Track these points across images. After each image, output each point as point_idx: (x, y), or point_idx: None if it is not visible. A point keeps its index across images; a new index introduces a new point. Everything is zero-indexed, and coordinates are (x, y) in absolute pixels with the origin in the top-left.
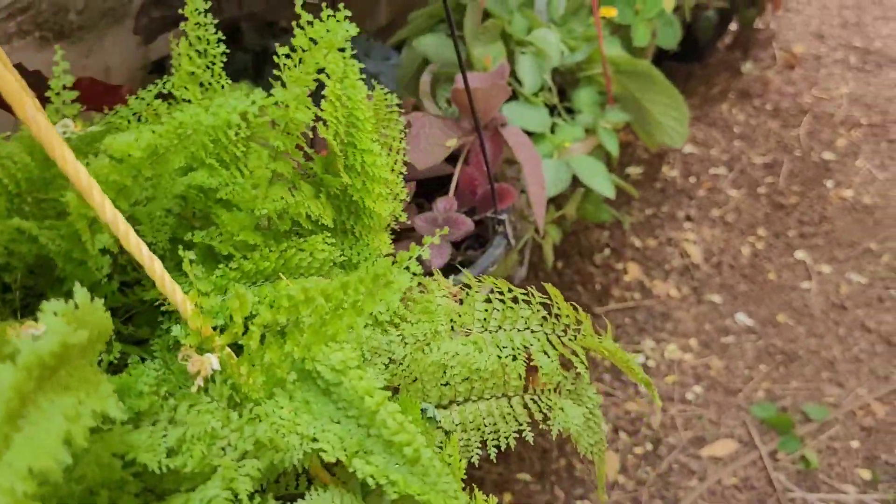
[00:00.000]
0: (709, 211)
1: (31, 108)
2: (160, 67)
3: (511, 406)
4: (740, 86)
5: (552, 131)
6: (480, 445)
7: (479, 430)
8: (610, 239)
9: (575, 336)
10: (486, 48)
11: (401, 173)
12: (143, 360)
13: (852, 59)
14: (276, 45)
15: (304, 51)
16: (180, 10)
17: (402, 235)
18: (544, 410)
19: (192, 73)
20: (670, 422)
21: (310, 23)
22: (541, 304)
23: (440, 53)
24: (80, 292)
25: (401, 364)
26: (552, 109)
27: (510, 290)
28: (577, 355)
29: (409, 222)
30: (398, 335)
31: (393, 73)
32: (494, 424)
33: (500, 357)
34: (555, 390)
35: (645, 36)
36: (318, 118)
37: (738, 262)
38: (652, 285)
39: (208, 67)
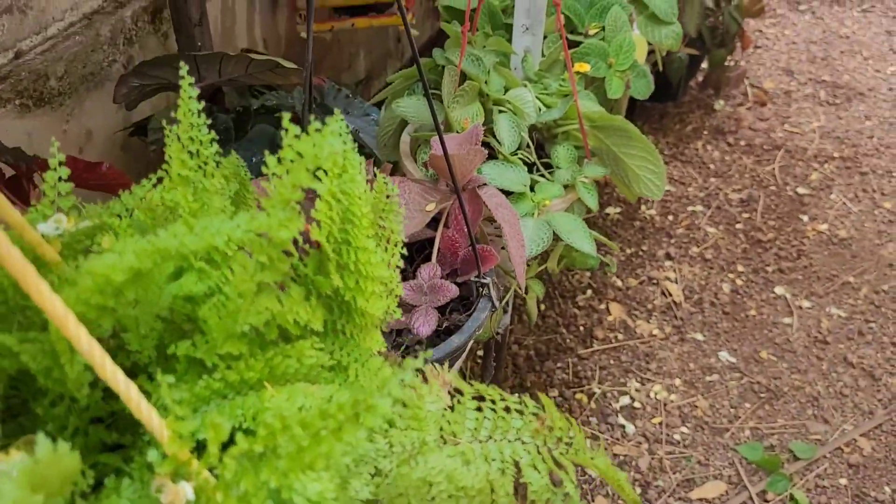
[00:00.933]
0: (688, 249)
1: (5, 242)
2: (142, 129)
3: None
4: (714, 123)
5: (532, 189)
6: None
7: None
8: (591, 280)
9: (567, 449)
10: (464, 110)
11: (397, 267)
12: (118, 472)
13: (822, 94)
14: (255, 102)
15: (291, 161)
16: (159, 76)
17: None
18: None
19: (184, 176)
20: (658, 464)
21: (297, 136)
22: (533, 413)
23: (418, 115)
24: (44, 444)
25: (386, 477)
26: (531, 166)
27: (502, 399)
28: (566, 471)
29: None
30: (386, 443)
31: (373, 130)
32: None
33: (488, 472)
34: None
35: (619, 88)
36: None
37: (718, 300)
38: (635, 325)
39: (200, 168)
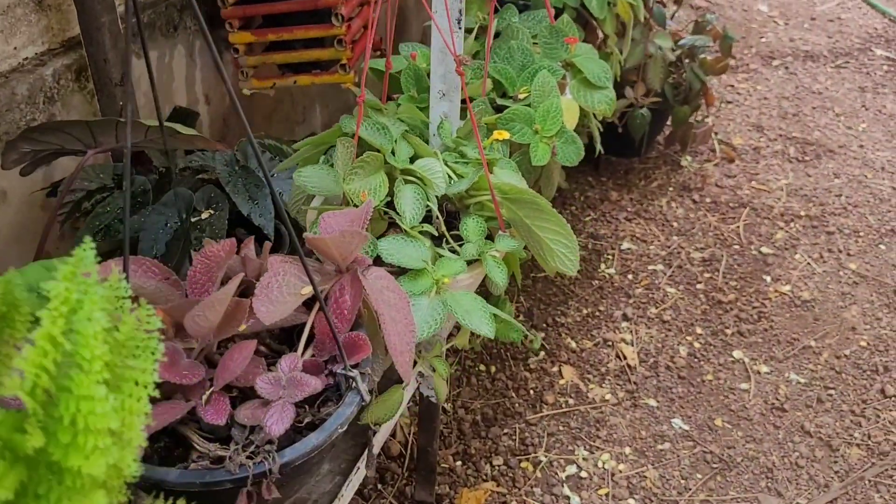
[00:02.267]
0: (646, 309)
1: None
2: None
3: None
4: (680, 180)
5: (434, 264)
6: None
7: None
8: (545, 340)
9: None
10: (364, 181)
11: (144, 413)
12: None
13: (791, 151)
14: (181, 162)
15: None
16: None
17: (246, 396)
18: None
19: None
20: None
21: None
22: None
23: (321, 187)
24: None
25: None
26: (440, 239)
27: None
28: None
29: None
30: None
31: None
32: None
33: None
34: None
35: (545, 155)
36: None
37: (675, 363)
38: (587, 389)
39: None
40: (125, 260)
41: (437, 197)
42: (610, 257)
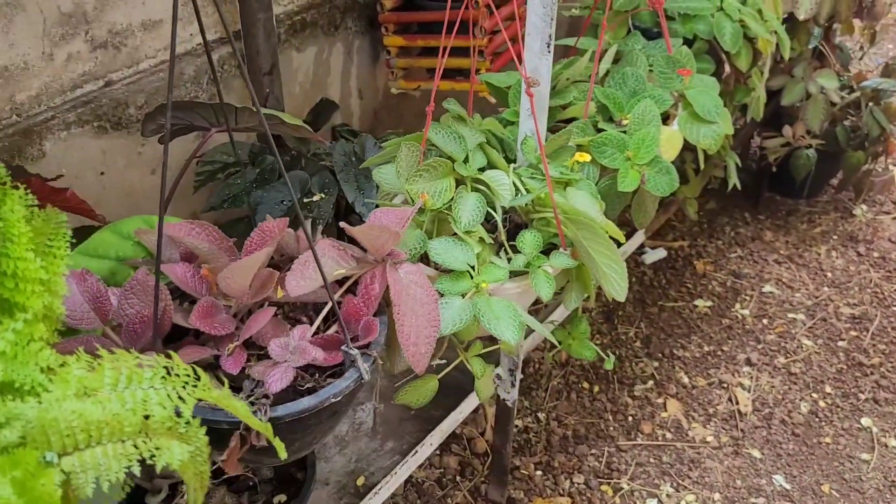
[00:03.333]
0: (774, 357)
1: None
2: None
3: (124, 448)
4: (848, 229)
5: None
6: (95, 481)
7: (94, 468)
8: (657, 370)
9: (193, 390)
10: (430, 184)
11: (63, 273)
12: None
13: None
14: (312, 148)
15: None
16: (181, 118)
17: (266, 356)
18: (152, 450)
19: None
20: None
21: None
22: (164, 367)
23: (393, 185)
24: None
25: (30, 423)
26: (500, 247)
27: (137, 359)
28: (187, 404)
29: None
30: (36, 402)
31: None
32: (108, 464)
33: (115, 411)
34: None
35: (633, 182)
36: None
37: (791, 419)
38: (689, 427)
39: None
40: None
41: (502, 207)
42: (748, 298)
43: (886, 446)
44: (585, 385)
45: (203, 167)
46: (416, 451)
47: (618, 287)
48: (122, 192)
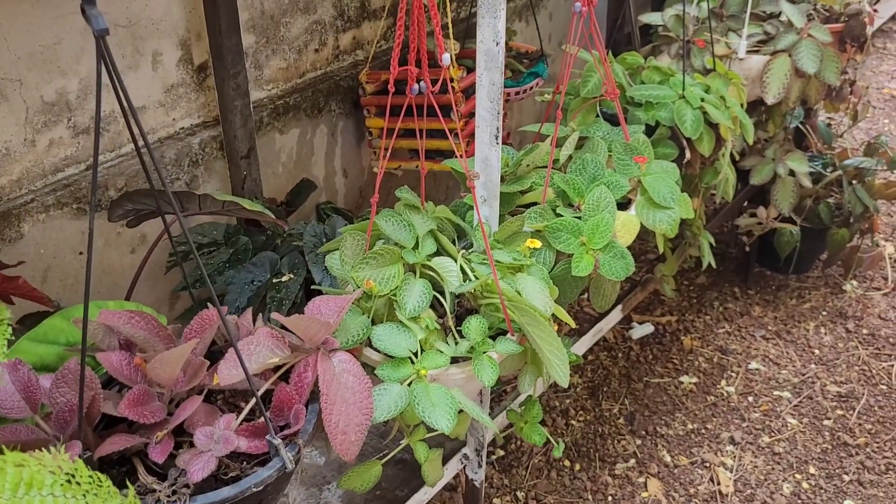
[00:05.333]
0: (758, 436)
1: None
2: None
3: None
4: (837, 305)
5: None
6: None
7: None
8: (640, 448)
9: (94, 497)
10: (376, 271)
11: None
12: None
13: None
14: (287, 229)
15: None
16: (147, 204)
17: (191, 443)
18: None
19: None
20: None
21: None
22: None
23: (341, 272)
24: None
25: None
26: (447, 332)
27: (41, 464)
28: None
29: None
30: None
31: None
32: None
33: None
34: None
35: (587, 267)
36: None
37: (774, 501)
38: None
39: None
40: (86, 297)
41: (451, 293)
42: (734, 375)
43: None
44: (567, 463)
45: (179, 248)
46: None
47: (560, 373)
48: (102, 271)
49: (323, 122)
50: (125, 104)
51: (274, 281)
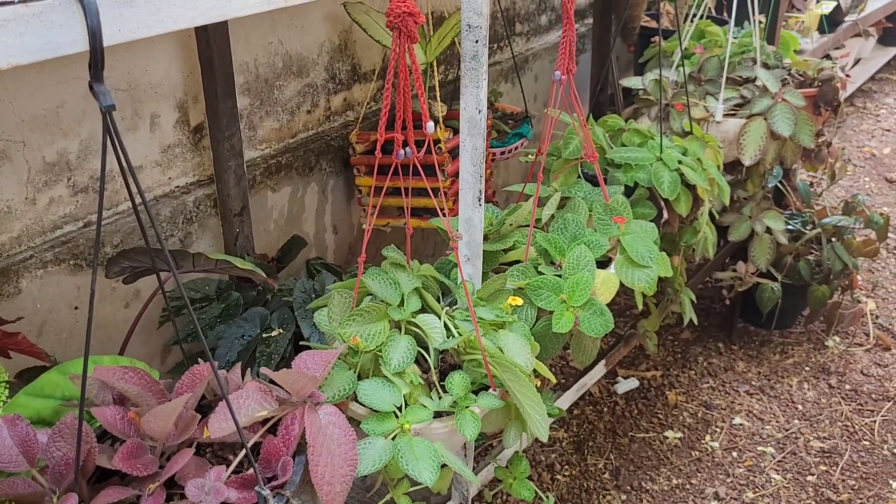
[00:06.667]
0: (742, 492)
1: None
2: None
3: None
4: (820, 360)
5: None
6: None
7: None
8: (626, 501)
9: None
10: (362, 328)
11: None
12: None
13: None
14: (279, 285)
15: None
16: (142, 261)
17: (182, 495)
18: None
19: None
20: None
21: None
22: None
23: (329, 329)
24: None
25: None
26: (431, 387)
27: None
28: None
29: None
30: None
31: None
32: None
33: None
34: None
35: (568, 324)
36: None
37: None
38: None
39: None
40: (85, 356)
41: (435, 349)
42: (718, 430)
43: None
44: None
45: (172, 303)
46: None
47: (540, 427)
48: (96, 325)
49: (314, 181)
50: (125, 166)
51: (264, 336)
